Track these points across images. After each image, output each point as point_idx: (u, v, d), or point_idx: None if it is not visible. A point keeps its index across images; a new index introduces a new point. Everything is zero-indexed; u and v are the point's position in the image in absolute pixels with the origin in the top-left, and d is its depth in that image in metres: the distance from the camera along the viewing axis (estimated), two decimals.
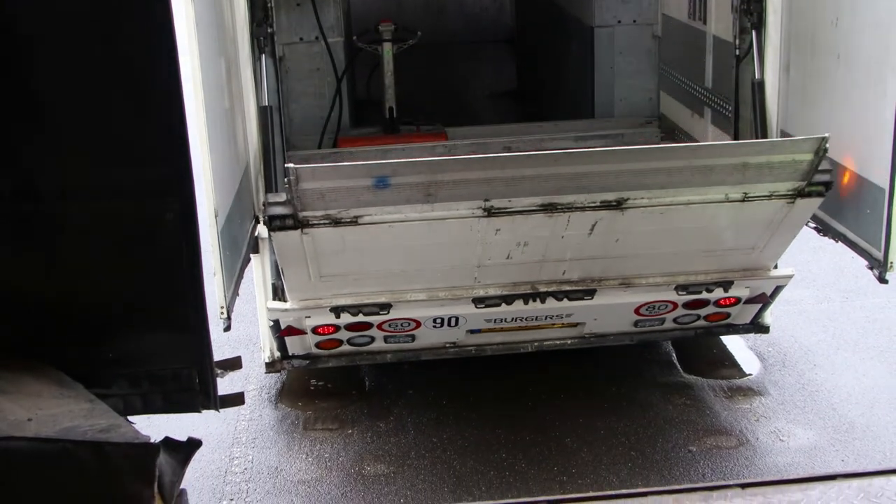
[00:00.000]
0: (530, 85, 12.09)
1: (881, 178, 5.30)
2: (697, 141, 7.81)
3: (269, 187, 6.33)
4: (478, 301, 6.20)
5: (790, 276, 6.44)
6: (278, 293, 6.52)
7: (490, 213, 5.42)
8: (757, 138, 6.39)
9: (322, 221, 5.36)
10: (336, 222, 5.36)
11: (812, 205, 5.66)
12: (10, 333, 4.36)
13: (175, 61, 4.01)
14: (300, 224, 5.35)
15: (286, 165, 5.18)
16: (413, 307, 6.24)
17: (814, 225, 6.07)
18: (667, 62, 8.59)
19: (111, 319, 4.40)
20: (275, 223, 5.36)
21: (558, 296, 6.20)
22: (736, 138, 6.81)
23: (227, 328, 5.17)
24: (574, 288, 6.20)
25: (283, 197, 5.32)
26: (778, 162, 5.43)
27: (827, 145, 5.32)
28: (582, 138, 8.39)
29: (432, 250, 5.77)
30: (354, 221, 5.37)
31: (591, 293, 6.24)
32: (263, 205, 5.43)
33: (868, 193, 5.43)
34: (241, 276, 5.71)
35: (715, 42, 7.37)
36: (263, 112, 6.33)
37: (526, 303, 6.23)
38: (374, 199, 5.30)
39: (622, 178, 5.41)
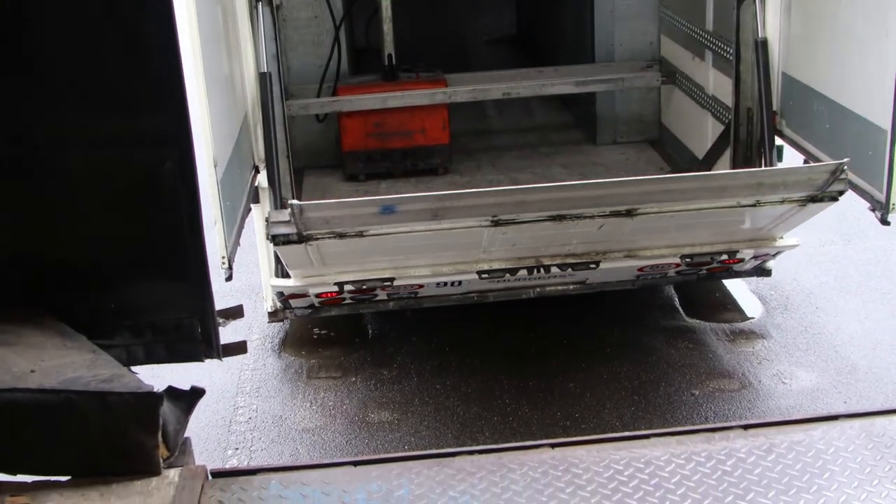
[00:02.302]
0: (530, 30, 11.99)
1: (883, 119, 5.26)
2: (698, 84, 7.76)
3: (268, 141, 6.30)
4: (482, 273, 6.21)
5: (796, 245, 6.42)
6: (281, 263, 6.53)
7: (497, 224, 5.44)
8: (758, 81, 6.37)
9: (327, 236, 5.37)
10: (341, 236, 5.37)
11: (824, 206, 5.63)
12: (12, 285, 4.36)
13: (170, 8, 3.97)
14: (304, 239, 5.36)
15: (290, 202, 5.18)
16: (417, 279, 6.26)
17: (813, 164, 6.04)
18: (667, 5, 8.51)
19: (112, 269, 4.39)
20: (278, 239, 5.37)
21: (563, 267, 6.21)
22: (737, 82, 6.75)
23: (229, 278, 5.18)
24: (578, 261, 6.21)
25: (286, 216, 5.29)
26: (793, 181, 5.45)
27: (846, 167, 5.30)
28: (582, 83, 8.33)
29: (437, 247, 5.81)
30: (360, 234, 5.38)
31: (595, 263, 6.25)
32: (267, 221, 5.41)
33: (869, 134, 5.39)
34: (241, 226, 5.71)
35: None
36: (263, 78, 6.30)
37: (530, 273, 6.25)
38: (380, 220, 5.32)
39: (633, 198, 5.45)
